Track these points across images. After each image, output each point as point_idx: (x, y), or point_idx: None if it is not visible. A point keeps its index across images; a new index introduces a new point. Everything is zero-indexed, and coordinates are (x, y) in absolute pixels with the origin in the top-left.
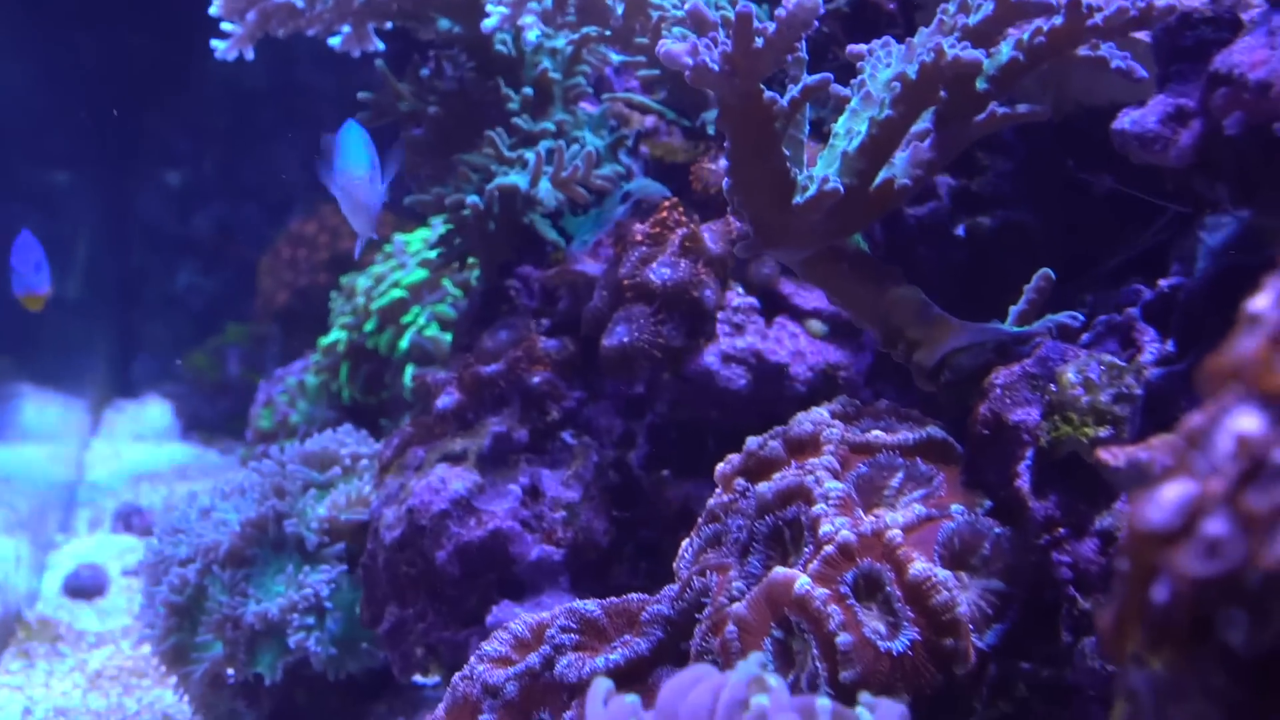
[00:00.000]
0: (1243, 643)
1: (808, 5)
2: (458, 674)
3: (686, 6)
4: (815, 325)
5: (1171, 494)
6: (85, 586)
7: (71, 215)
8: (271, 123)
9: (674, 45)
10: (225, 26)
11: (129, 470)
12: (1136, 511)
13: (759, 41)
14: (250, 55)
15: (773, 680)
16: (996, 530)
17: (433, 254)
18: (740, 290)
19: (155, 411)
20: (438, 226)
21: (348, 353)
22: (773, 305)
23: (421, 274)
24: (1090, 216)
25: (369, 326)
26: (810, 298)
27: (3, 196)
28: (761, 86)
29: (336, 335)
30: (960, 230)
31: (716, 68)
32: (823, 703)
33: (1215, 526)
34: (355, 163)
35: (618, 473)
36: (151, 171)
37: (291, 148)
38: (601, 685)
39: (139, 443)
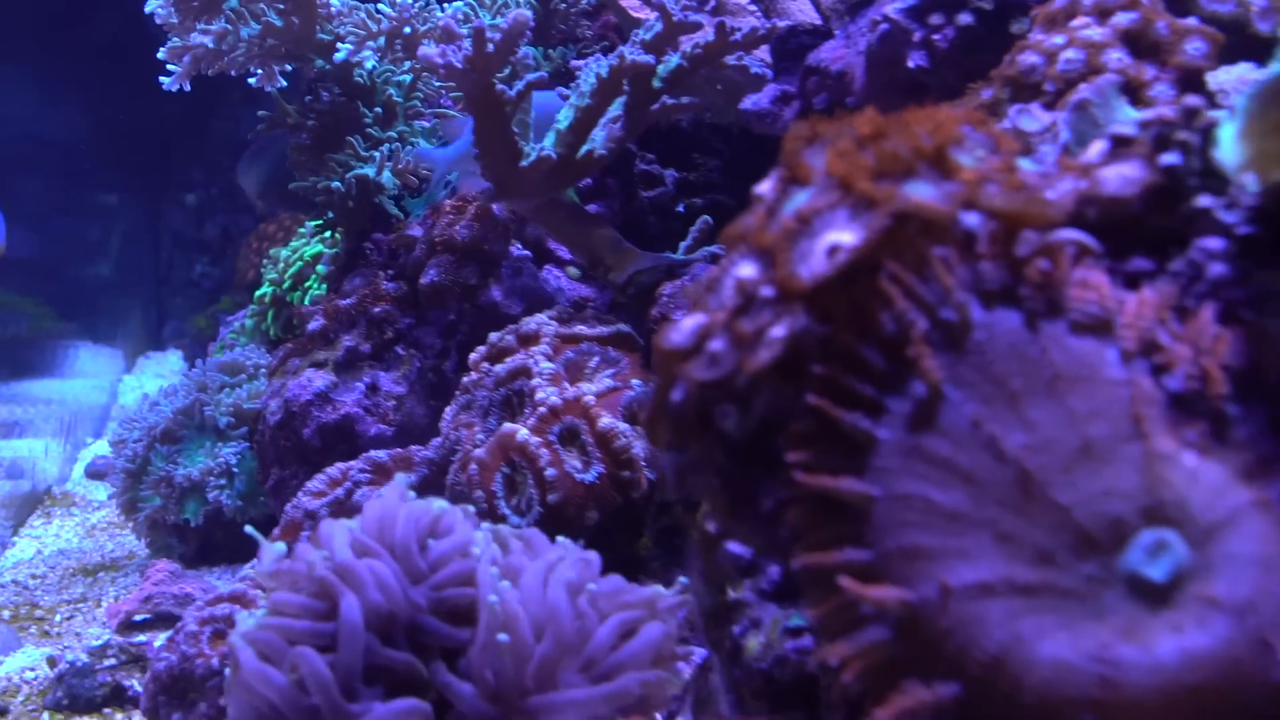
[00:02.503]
0: (733, 429)
1: (520, 19)
2: (289, 504)
3: (440, 22)
4: (572, 270)
5: (688, 323)
6: (100, 471)
7: (120, 225)
8: None
9: (429, 50)
10: (170, 67)
11: None
12: (662, 336)
13: (490, 47)
14: (188, 88)
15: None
16: None
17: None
18: (519, 245)
19: (173, 358)
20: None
21: (272, 302)
22: (542, 256)
23: (319, 247)
24: None
25: (286, 285)
26: (567, 252)
27: (74, 211)
28: (495, 81)
29: (264, 290)
30: (681, 207)
31: (460, 66)
32: (469, 508)
33: (716, 344)
34: None
35: (435, 375)
36: (176, 194)
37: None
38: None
39: (158, 379)
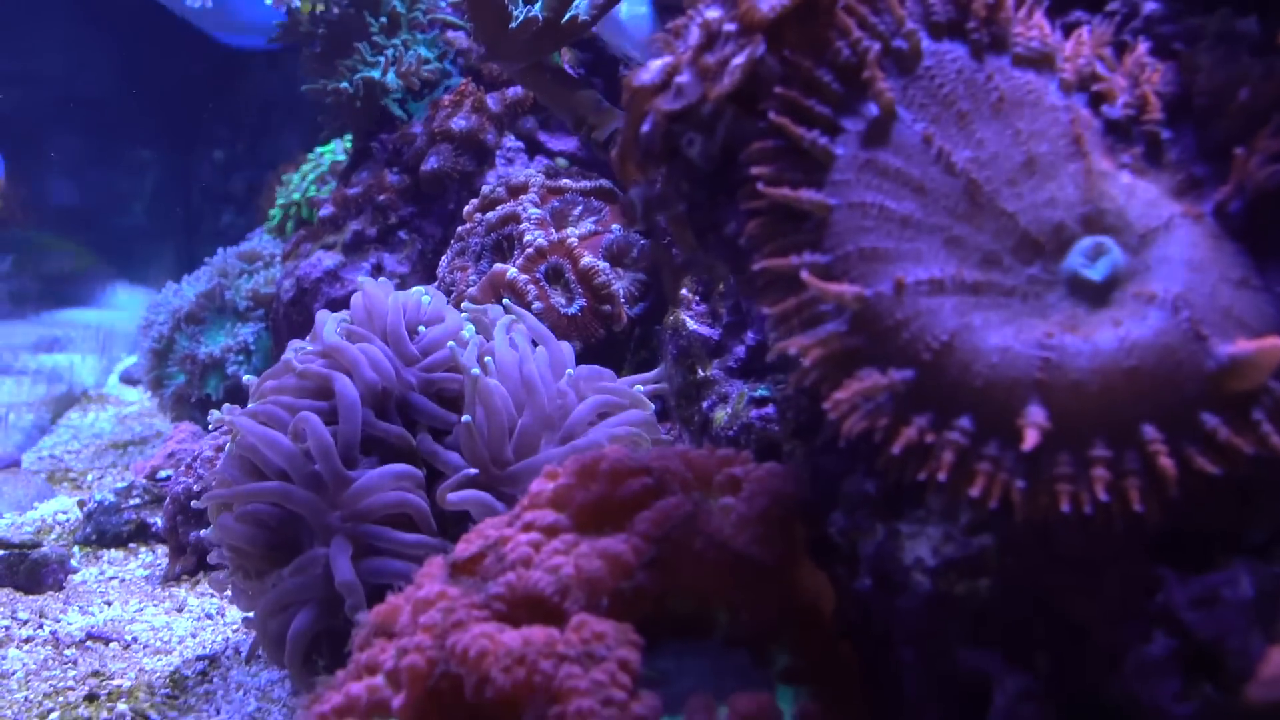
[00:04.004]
0: (698, 155)
1: None
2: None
3: None
4: (561, 162)
5: (656, 64)
6: (132, 376)
7: (154, 178)
8: (280, 119)
9: None
10: None
11: None
12: (633, 77)
13: None
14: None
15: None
16: (642, 241)
17: (329, 159)
18: (512, 138)
19: None
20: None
21: (287, 216)
22: (534, 148)
23: (325, 168)
24: None
25: (307, 190)
26: (558, 144)
27: (110, 165)
28: None
29: (280, 200)
30: None
31: None
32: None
33: (682, 78)
34: None
35: (436, 257)
36: (205, 150)
37: (291, 133)
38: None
39: None
